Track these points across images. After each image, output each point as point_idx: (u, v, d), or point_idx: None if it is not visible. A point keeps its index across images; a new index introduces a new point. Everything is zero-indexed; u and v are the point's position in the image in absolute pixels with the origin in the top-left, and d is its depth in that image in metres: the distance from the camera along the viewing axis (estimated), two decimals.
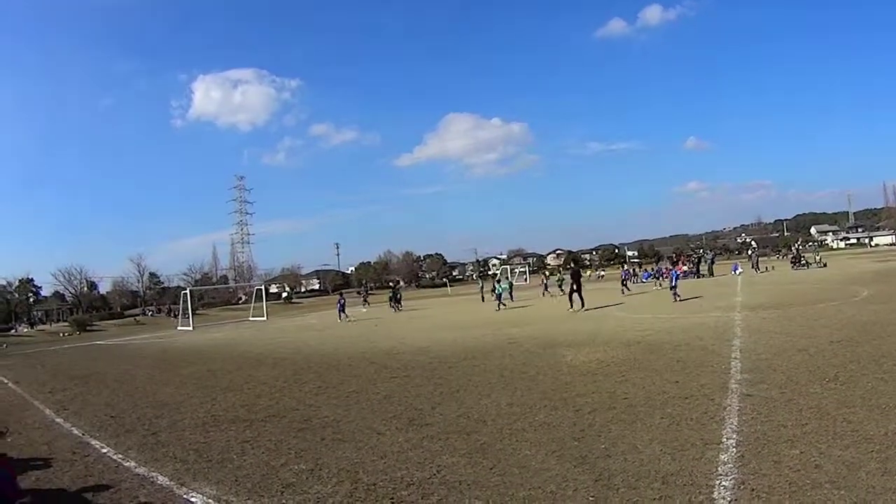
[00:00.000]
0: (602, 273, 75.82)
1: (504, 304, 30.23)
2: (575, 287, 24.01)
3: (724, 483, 4.67)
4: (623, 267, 33.71)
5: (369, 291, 66.63)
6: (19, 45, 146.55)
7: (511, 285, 33.19)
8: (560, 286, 38.72)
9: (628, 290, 33.45)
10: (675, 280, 26.03)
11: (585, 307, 23.31)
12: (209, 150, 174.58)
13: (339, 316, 34.36)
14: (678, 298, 23.69)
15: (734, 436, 5.82)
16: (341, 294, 41.47)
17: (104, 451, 7.92)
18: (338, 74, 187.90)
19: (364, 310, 43.80)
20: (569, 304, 23.93)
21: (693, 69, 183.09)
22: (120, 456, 7.54)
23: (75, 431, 9.38)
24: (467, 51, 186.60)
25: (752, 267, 48.46)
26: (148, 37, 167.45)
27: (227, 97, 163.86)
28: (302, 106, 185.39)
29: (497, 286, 32.62)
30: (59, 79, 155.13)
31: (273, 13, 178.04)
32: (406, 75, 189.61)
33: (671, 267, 37.82)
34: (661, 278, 39.77)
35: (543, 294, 38.64)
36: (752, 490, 4.49)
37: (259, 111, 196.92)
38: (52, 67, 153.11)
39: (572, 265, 47.83)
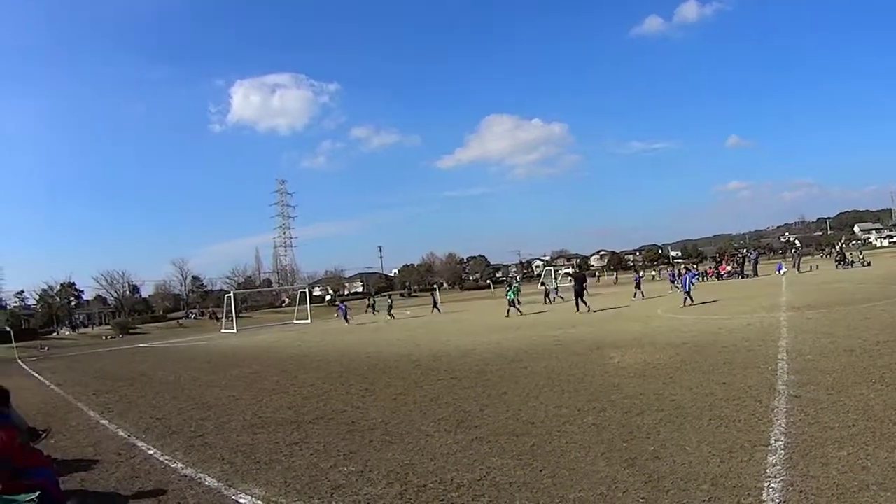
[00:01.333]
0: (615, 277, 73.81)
1: (517, 309, 30.05)
2: (577, 291, 26.64)
3: (772, 485, 4.68)
4: (636, 272, 32.02)
5: (411, 293, 66.92)
6: (61, 55, 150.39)
7: (517, 290, 32.99)
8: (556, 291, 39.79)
9: (643, 295, 31.80)
10: (689, 284, 25.25)
11: (591, 310, 25.24)
12: (249, 155, 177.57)
13: (347, 321, 36.57)
14: (690, 302, 23.37)
15: (782, 437, 5.82)
16: (343, 301, 42.83)
17: (150, 452, 8.04)
18: (376, 77, 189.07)
19: (374, 315, 44.11)
20: (575, 307, 26.11)
21: (732, 66, 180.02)
22: (167, 457, 7.64)
23: (121, 433, 9.52)
24: (505, 51, 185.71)
25: (794, 267, 47.71)
26: (183, 43, 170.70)
27: (266, 102, 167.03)
28: (341, 109, 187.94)
29: (509, 292, 32.56)
30: (96, 85, 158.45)
31: (309, 18, 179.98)
32: (445, 77, 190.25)
33: (686, 270, 36.70)
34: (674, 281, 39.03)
35: (546, 301, 38.37)
36: (801, 492, 4.51)
37: (298, 115, 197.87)
38: (90, 75, 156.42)
39: (577, 271, 48.03)
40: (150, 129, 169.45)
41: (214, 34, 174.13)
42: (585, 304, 25.89)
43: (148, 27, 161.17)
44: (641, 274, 43.73)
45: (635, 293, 32.23)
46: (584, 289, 27.39)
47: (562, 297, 37.97)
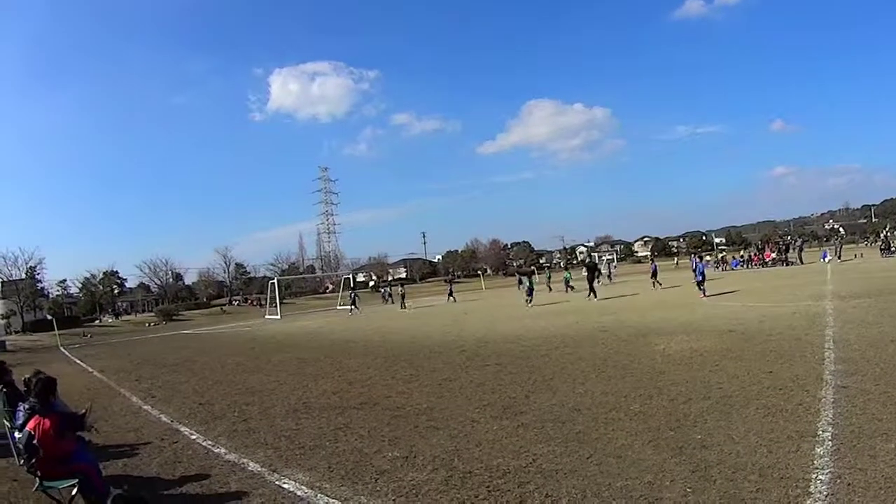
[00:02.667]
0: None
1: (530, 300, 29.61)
2: (588, 279, 28.88)
3: (820, 477, 4.68)
4: (651, 261, 30.24)
5: (454, 279, 66.63)
6: (105, 48, 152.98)
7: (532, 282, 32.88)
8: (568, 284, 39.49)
9: (660, 284, 30.79)
10: (701, 274, 23.87)
11: (598, 298, 26.94)
12: (290, 143, 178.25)
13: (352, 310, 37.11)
14: (704, 294, 22.62)
15: (829, 428, 5.80)
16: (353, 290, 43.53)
17: (193, 437, 8.21)
18: (416, 63, 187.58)
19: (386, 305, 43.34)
20: (589, 294, 27.84)
21: (774, 48, 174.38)
22: (210, 442, 7.78)
23: (164, 418, 9.73)
24: (546, 36, 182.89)
25: (835, 255, 46.69)
26: (220, 33, 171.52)
27: (305, 90, 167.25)
28: (382, 96, 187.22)
29: (528, 281, 32.37)
30: (136, 77, 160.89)
31: (347, 4, 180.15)
32: (485, 62, 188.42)
33: (700, 259, 35.19)
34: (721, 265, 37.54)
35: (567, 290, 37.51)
36: (849, 485, 4.50)
37: (338, 102, 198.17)
38: (132, 66, 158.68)
39: (588, 261, 47.97)
40: (192, 118, 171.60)
41: (251, 23, 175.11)
42: (594, 292, 27.74)
43: (185, 16, 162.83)
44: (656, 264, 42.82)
45: (654, 283, 31.61)
46: (596, 278, 29.06)
47: (571, 288, 37.88)
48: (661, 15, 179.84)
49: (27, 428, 5.45)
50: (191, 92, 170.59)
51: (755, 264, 48.49)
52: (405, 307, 38.71)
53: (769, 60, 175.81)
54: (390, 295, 48.84)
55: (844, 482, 4.56)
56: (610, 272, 41.77)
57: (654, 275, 32.55)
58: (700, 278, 23.33)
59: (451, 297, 42.17)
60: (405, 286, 49.28)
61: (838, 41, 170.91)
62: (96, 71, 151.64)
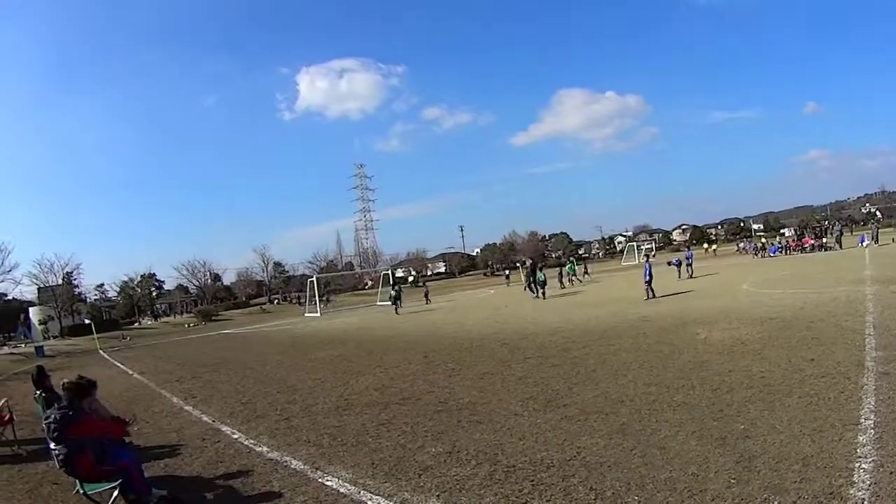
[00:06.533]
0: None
1: (540, 294, 30.26)
2: (532, 279, 30.93)
3: (863, 465, 4.71)
4: (647, 258, 28.28)
5: (494, 272, 65.56)
6: (136, 54, 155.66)
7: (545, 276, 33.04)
8: (574, 275, 40.53)
9: (653, 293, 22.70)
10: (649, 274, 22.69)
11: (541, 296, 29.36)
12: (322, 140, 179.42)
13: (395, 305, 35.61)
14: (652, 295, 21.81)
15: (872, 416, 5.81)
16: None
17: (235, 436, 8.29)
18: (443, 57, 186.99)
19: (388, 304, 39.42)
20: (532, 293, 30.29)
21: (804, 28, 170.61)
22: (252, 441, 7.87)
23: (205, 418, 9.83)
24: (573, 24, 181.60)
25: (872, 239, 45.77)
26: (244, 33, 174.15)
27: (334, 87, 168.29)
28: (411, 91, 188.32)
29: (540, 274, 32.33)
30: (166, 80, 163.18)
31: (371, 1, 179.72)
32: (513, 53, 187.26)
33: (647, 259, 31.94)
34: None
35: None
36: (892, 473, 4.53)
37: (368, 98, 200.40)
38: (157, 71, 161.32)
39: (530, 261, 49.04)
40: (223, 119, 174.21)
41: (274, 22, 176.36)
42: (536, 291, 30.20)
43: (208, 17, 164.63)
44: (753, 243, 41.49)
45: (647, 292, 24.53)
46: (537, 278, 30.93)
47: (579, 280, 37.94)
48: None
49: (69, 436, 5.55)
50: (218, 93, 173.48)
51: (794, 250, 47.83)
52: (399, 312, 34.57)
53: (800, 40, 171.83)
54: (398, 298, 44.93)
55: (887, 471, 4.58)
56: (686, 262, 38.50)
57: (679, 265, 31.99)
58: (648, 279, 22.57)
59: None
60: (426, 283, 47.75)
61: (870, 22, 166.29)
62: (125, 76, 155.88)
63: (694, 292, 22.47)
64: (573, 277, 40.87)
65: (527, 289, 32.00)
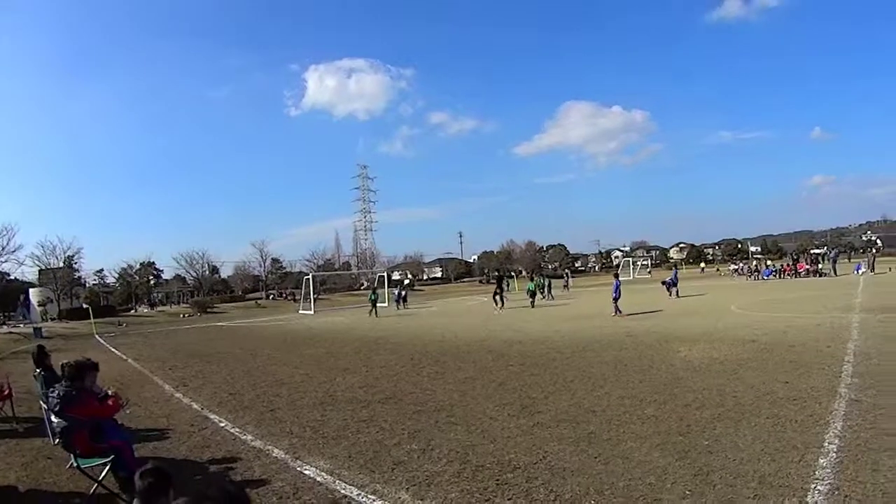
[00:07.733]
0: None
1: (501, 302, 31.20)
2: (497, 291, 31.74)
3: (818, 487, 4.77)
4: (617, 277, 27.21)
5: (489, 280, 65.47)
6: (144, 43, 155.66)
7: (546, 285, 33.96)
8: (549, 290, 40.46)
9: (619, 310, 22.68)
10: (617, 290, 23.22)
11: (502, 309, 29.92)
12: (326, 139, 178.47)
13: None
14: (618, 312, 22.14)
15: (836, 441, 5.87)
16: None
17: (222, 424, 8.55)
18: (452, 62, 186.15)
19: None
20: (494, 304, 31.03)
21: (815, 53, 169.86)
22: (237, 430, 8.13)
23: (194, 406, 10.12)
24: (582, 36, 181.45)
25: (869, 267, 45.88)
26: (256, 28, 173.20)
27: (342, 86, 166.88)
28: (418, 95, 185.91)
29: (530, 286, 33.75)
30: (173, 72, 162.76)
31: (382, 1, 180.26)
32: (521, 62, 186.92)
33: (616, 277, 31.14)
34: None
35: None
36: (846, 497, 4.59)
37: (374, 100, 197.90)
38: (166, 62, 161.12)
39: (497, 272, 50.61)
40: (229, 113, 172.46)
41: (286, 18, 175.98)
42: (502, 302, 31.07)
43: (221, 10, 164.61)
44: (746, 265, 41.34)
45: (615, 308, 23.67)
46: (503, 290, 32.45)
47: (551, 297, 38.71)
48: (699, 15, 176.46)
49: (69, 413, 5.73)
50: (227, 87, 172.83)
51: (787, 274, 47.89)
52: (377, 315, 33.98)
53: (809, 64, 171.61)
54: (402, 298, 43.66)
55: (842, 494, 4.64)
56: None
57: (672, 284, 31.73)
58: (616, 295, 22.97)
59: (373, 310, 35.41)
60: (406, 287, 47.48)
61: (879, 47, 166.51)
62: (134, 65, 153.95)
63: (679, 311, 22.53)
64: (546, 292, 39.76)
65: (493, 298, 31.57)
